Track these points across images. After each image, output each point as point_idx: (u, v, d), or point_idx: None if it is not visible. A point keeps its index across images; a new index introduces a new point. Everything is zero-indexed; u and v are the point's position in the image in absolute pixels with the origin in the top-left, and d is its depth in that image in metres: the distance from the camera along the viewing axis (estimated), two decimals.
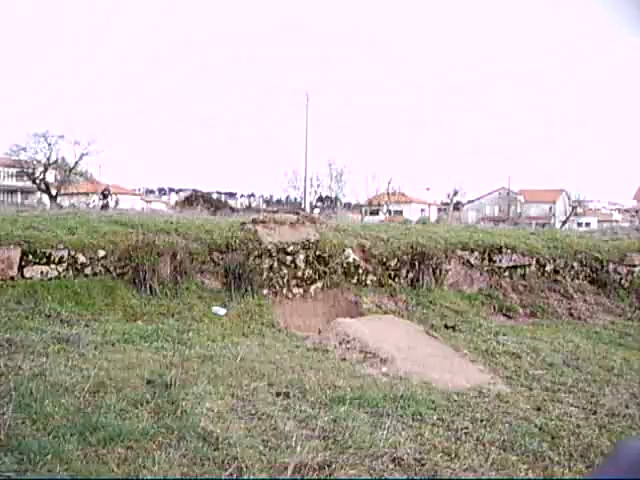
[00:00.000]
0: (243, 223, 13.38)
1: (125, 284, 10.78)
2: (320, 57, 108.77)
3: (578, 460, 5.40)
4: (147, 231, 11.68)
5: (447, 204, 70.38)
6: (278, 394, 6.38)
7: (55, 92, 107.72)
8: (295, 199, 62.69)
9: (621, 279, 15.47)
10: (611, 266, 15.53)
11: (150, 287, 10.83)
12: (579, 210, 67.58)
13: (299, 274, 12.42)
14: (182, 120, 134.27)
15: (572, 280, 15.07)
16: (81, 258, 10.70)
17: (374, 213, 61.37)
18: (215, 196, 66.08)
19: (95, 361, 6.92)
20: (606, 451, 5.66)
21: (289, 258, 12.44)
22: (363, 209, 64.35)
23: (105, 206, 29.15)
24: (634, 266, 15.69)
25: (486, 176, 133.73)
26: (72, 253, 10.66)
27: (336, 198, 65.31)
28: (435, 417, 6.14)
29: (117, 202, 28.83)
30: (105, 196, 32.44)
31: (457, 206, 72.98)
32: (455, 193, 66.97)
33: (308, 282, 12.47)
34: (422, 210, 72.26)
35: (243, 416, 5.63)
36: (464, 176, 69.96)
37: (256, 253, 12.19)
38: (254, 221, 13.25)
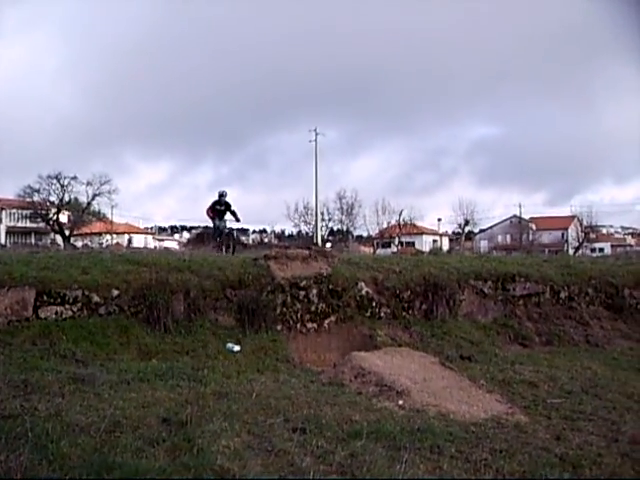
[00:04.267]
0: (255, 259, 13.43)
1: (139, 323, 10.80)
2: (329, 91, 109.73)
3: None
4: (160, 269, 11.73)
5: (459, 234, 70.30)
6: (294, 430, 6.32)
7: (67, 133, 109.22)
8: (307, 233, 62.89)
9: (637, 304, 15.35)
10: (626, 291, 15.42)
11: (164, 325, 10.85)
12: (592, 236, 67.31)
13: (312, 309, 12.40)
14: (195, 157, 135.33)
15: (587, 306, 14.96)
16: (95, 298, 10.76)
17: (386, 245, 61.41)
18: None
19: (111, 400, 6.90)
20: None
21: (302, 293, 12.44)
22: (375, 242, 64.41)
23: (219, 230, 18.19)
24: None
25: (496, 205, 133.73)
26: (86, 293, 10.72)
27: (347, 231, 65.50)
28: (453, 449, 6.07)
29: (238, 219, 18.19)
30: (220, 212, 18.05)
31: (469, 236, 72.90)
32: (466, 223, 66.88)
33: (322, 316, 12.44)
34: (434, 241, 72.31)
35: (260, 453, 5.59)
36: (475, 205, 69.44)
37: (269, 289, 12.21)
38: (266, 257, 13.28)
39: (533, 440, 6.65)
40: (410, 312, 13.22)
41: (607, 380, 10.05)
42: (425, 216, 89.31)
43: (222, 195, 18.08)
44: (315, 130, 56.02)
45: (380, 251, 50.75)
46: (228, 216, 18.03)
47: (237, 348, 10.76)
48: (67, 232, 49.57)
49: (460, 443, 6.30)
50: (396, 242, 62.65)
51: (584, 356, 12.28)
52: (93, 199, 50.96)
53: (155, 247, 52.48)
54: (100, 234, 55.92)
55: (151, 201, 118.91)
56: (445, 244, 70.47)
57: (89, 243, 47.06)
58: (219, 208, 17.97)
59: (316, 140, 55.66)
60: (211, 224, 18.71)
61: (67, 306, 10.53)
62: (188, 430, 5.92)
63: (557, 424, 7.44)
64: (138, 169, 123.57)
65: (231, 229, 18.99)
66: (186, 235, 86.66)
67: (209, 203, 18.16)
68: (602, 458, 6.10)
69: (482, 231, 77.74)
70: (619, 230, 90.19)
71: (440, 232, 76.15)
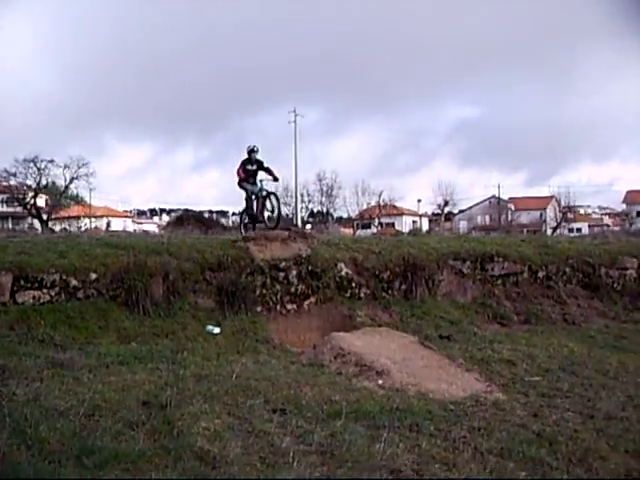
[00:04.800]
0: (234, 241, 13.38)
1: (118, 306, 10.73)
2: (310, 73, 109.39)
3: (577, 465, 5.40)
4: (139, 252, 11.65)
5: (438, 215, 70.64)
6: (274, 411, 6.35)
7: (44, 115, 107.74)
8: (287, 215, 62.74)
9: (613, 282, 15.55)
10: (603, 270, 15.61)
11: (143, 308, 10.79)
12: (570, 216, 67.95)
13: (292, 290, 12.40)
14: (176, 139, 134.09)
15: (565, 285, 15.12)
16: (73, 282, 10.67)
17: (366, 226, 61.59)
18: (207, 215, 66.11)
19: (90, 384, 6.88)
20: (604, 455, 5.66)
21: (281, 274, 12.43)
22: (355, 223, 64.54)
23: (255, 197, 14.29)
24: (625, 269, 15.80)
25: (476, 185, 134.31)
26: (64, 277, 10.62)
27: (327, 213, 65.54)
28: (432, 427, 6.12)
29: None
30: (252, 173, 14.27)
31: (448, 216, 73.29)
32: (446, 203, 67.17)
33: (301, 297, 12.45)
34: (414, 222, 72.59)
35: (240, 434, 5.60)
36: (455, 186, 69.81)
37: (248, 270, 12.18)
38: (245, 239, 13.24)
39: (511, 417, 6.72)
40: (389, 292, 13.27)
41: (583, 358, 10.17)
42: (405, 197, 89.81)
43: (252, 151, 14.22)
44: (294, 111, 55.60)
45: (360, 232, 50.86)
46: (263, 176, 14.49)
47: (217, 330, 10.75)
48: (45, 216, 48.95)
49: (439, 421, 6.36)
50: (376, 223, 62.83)
51: (561, 334, 12.42)
52: (71, 182, 50.34)
53: (134, 230, 52.17)
54: (78, 218, 55.35)
55: (130, 184, 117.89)
56: (425, 225, 70.88)
57: (67, 227, 46.59)
58: (250, 168, 14.21)
59: (295, 121, 55.26)
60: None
61: (45, 290, 10.43)
62: (168, 413, 5.92)
63: (534, 401, 7.53)
64: (117, 151, 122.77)
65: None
66: (165, 218, 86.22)
67: (238, 164, 14.33)
68: (578, 434, 6.19)
69: (461, 212, 78.22)
70: (596, 210, 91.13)
71: (420, 213, 76.43)
